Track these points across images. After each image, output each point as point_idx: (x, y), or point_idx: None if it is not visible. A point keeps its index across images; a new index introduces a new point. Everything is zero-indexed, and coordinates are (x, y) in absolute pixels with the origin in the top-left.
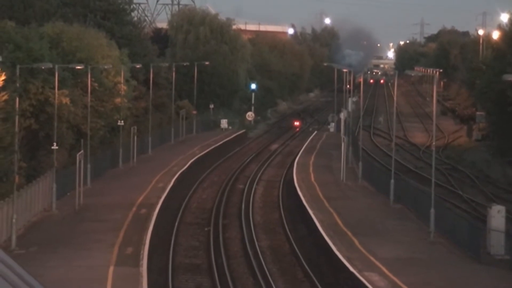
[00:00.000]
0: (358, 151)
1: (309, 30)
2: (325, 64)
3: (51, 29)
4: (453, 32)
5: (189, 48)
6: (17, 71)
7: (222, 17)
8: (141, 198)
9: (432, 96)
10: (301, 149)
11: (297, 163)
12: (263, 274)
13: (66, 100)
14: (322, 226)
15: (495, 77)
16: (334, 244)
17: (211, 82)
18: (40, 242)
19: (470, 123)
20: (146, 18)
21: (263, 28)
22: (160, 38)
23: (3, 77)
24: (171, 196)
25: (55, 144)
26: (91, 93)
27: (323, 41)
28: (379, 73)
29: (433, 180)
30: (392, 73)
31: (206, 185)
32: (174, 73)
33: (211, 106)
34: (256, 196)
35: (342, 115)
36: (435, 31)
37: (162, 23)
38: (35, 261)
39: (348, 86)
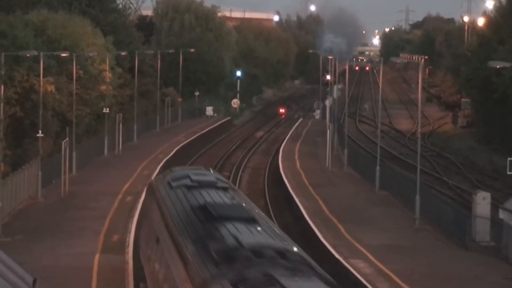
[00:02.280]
0: (344, 138)
1: (294, 18)
2: (310, 51)
3: (36, 17)
4: (438, 19)
5: (174, 35)
6: (2, 58)
7: (207, 4)
8: (126, 186)
9: (417, 83)
10: (286, 136)
11: (283, 150)
12: None
13: (51, 88)
14: (308, 213)
15: (480, 64)
16: (320, 231)
17: (197, 70)
18: (25, 230)
19: (456, 110)
20: (131, 5)
21: (248, 15)
22: (145, 25)
23: None
24: None
25: (40, 132)
26: (76, 81)
27: (308, 29)
28: (365, 60)
29: (418, 167)
30: (377, 60)
31: None
32: (159, 61)
33: (197, 93)
34: (241, 183)
35: (328, 102)
36: (420, 18)
37: (147, 11)
38: (20, 249)
39: (328, 77)
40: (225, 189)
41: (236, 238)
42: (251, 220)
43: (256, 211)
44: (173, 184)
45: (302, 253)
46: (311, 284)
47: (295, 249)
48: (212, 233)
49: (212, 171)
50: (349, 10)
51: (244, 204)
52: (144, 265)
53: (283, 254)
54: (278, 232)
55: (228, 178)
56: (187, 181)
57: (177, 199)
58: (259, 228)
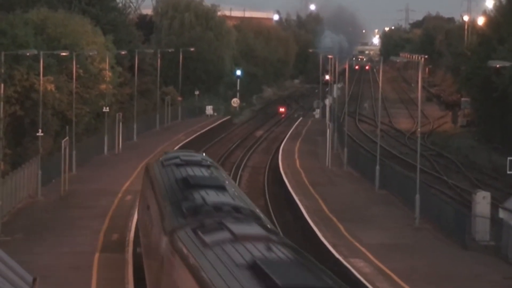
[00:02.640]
0: (344, 137)
1: (294, 17)
2: (310, 50)
3: (36, 16)
4: (438, 18)
5: (174, 34)
6: (2, 57)
7: (207, 3)
8: (126, 185)
9: (417, 82)
10: (286, 135)
11: (283, 149)
12: None
13: (51, 87)
14: (307, 212)
15: (480, 63)
16: (319, 230)
17: (196, 69)
18: (25, 229)
19: (455, 109)
20: (131, 4)
21: (248, 14)
22: (145, 24)
23: None
24: None
25: (40, 130)
26: (76, 80)
27: (308, 28)
28: (364, 59)
29: (418, 166)
30: (377, 59)
31: None
32: (159, 60)
33: (197, 92)
34: (241, 182)
35: (327, 101)
36: (420, 17)
37: (147, 9)
38: (20, 248)
39: (327, 77)
40: (207, 166)
41: (204, 199)
42: (220, 188)
43: (227, 182)
44: (165, 163)
45: (254, 209)
46: (251, 228)
47: (248, 205)
48: (186, 196)
49: (203, 154)
50: (349, 9)
51: (218, 176)
52: (140, 231)
53: (237, 209)
54: (241, 196)
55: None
56: (177, 161)
57: (166, 174)
58: (225, 193)
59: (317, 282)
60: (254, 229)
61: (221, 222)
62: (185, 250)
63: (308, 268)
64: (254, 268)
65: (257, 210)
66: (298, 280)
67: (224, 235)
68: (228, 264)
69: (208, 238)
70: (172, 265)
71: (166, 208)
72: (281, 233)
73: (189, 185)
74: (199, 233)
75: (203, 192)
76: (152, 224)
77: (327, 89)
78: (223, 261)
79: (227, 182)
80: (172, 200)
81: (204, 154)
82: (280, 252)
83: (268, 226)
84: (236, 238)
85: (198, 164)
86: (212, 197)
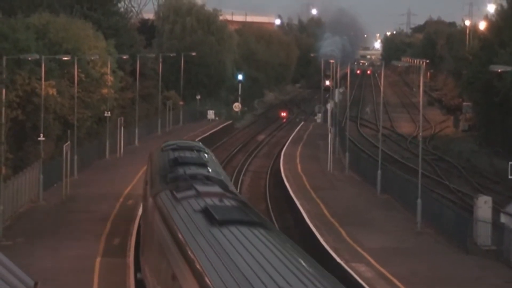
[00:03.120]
0: (345, 141)
1: (295, 21)
2: (312, 54)
3: (37, 20)
4: (439, 22)
5: (176, 38)
6: (4, 62)
7: (209, 7)
8: (128, 189)
9: (418, 86)
10: (288, 139)
11: (284, 154)
12: None
13: (52, 91)
14: (309, 216)
15: (481, 67)
16: (321, 234)
17: (198, 73)
18: (27, 233)
19: (457, 113)
20: (132, 8)
21: (249, 18)
22: (147, 28)
23: None
24: None
25: (41, 135)
26: (77, 84)
27: (310, 32)
28: (366, 63)
29: (419, 170)
30: (379, 63)
31: None
32: (160, 64)
33: (198, 96)
34: (243, 187)
35: (329, 106)
36: (421, 22)
37: (149, 14)
38: (22, 252)
39: (327, 83)
40: (198, 151)
41: (184, 171)
42: (202, 164)
43: (209, 161)
44: (164, 148)
45: (225, 179)
46: (213, 188)
47: (220, 177)
48: (172, 170)
49: (199, 143)
50: (350, 12)
51: (202, 157)
52: (142, 203)
53: (208, 177)
54: (218, 171)
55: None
56: (174, 146)
57: (162, 156)
58: (204, 168)
59: (247, 217)
60: (214, 189)
61: (192, 185)
62: (162, 205)
63: (243, 210)
64: (205, 211)
65: (229, 182)
66: (232, 216)
67: (191, 193)
68: (188, 211)
69: (179, 195)
70: (153, 217)
71: (156, 179)
72: (238, 194)
73: (177, 162)
74: (174, 192)
75: (186, 167)
76: (146, 193)
77: (327, 95)
78: (186, 209)
79: (209, 161)
80: (161, 174)
81: (200, 143)
82: (227, 202)
83: (229, 188)
84: (199, 194)
85: (190, 149)
86: (192, 170)
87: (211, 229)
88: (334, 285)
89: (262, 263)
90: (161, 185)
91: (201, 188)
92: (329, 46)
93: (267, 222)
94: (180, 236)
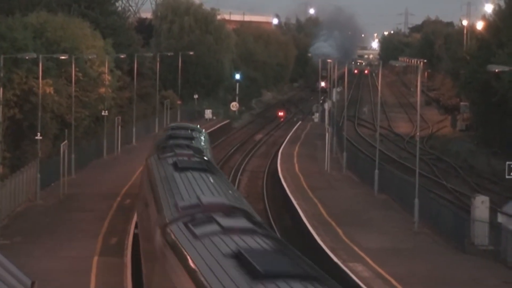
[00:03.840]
0: (343, 141)
1: (293, 20)
2: (309, 54)
3: (35, 19)
4: (437, 22)
5: (174, 38)
6: (1, 61)
7: (207, 7)
8: (125, 188)
9: (416, 86)
10: (285, 139)
11: (282, 153)
12: None
13: (50, 90)
14: (306, 216)
15: (479, 67)
16: (318, 234)
17: (196, 72)
18: (24, 232)
19: (454, 113)
20: (130, 8)
21: (247, 18)
22: (145, 28)
23: None
24: None
25: (39, 134)
26: (75, 83)
27: (308, 31)
28: (364, 63)
29: (417, 170)
30: (376, 63)
31: None
32: (158, 63)
33: (196, 96)
34: (240, 186)
35: (327, 105)
36: (419, 22)
37: (147, 13)
38: (19, 252)
39: (323, 84)
40: (192, 130)
41: (173, 142)
42: (188, 138)
43: (196, 137)
44: (166, 127)
45: (206, 149)
46: (186, 151)
47: (200, 146)
48: (165, 142)
49: (197, 126)
50: (347, 10)
51: (192, 134)
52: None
53: (188, 146)
54: (201, 143)
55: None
56: (174, 126)
57: (163, 132)
58: (190, 141)
59: (201, 166)
60: (188, 152)
61: (174, 150)
62: (150, 163)
63: (200, 162)
64: (174, 164)
65: (209, 152)
66: (189, 165)
67: (170, 154)
68: (165, 166)
69: (161, 156)
70: (143, 172)
71: (153, 148)
72: (211, 160)
73: (170, 137)
74: (160, 156)
75: (175, 140)
76: (145, 160)
77: (322, 97)
78: (164, 165)
79: (196, 138)
80: (157, 144)
81: (198, 126)
82: (193, 159)
83: (203, 154)
84: (175, 154)
85: (186, 128)
86: (178, 141)
87: (174, 174)
88: (237, 198)
89: None
90: (154, 151)
91: (178, 151)
92: (325, 45)
93: (212, 168)
94: (150, 175)
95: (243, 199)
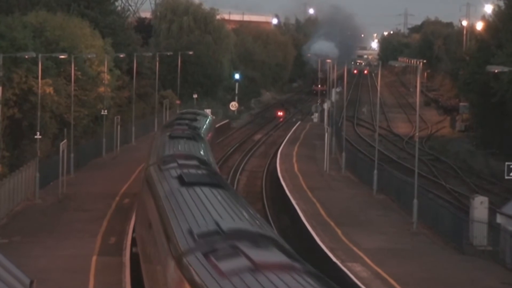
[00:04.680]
0: (342, 141)
1: (293, 21)
2: (308, 54)
3: (34, 18)
4: (437, 23)
5: (173, 37)
6: (0, 60)
7: (206, 7)
8: (124, 188)
9: (415, 86)
10: (284, 139)
11: (281, 153)
12: None
13: (49, 89)
14: (305, 216)
15: (478, 68)
16: (317, 234)
17: (195, 72)
18: (23, 231)
19: (454, 114)
20: (129, 7)
21: (247, 18)
22: (144, 27)
23: None
24: None
25: (38, 133)
26: (74, 82)
27: (307, 31)
28: (363, 63)
29: (416, 170)
30: (376, 63)
31: None
32: (157, 63)
33: (195, 95)
34: (239, 186)
35: (326, 106)
36: (419, 22)
37: (146, 13)
38: (18, 251)
39: (318, 86)
40: (198, 114)
41: (178, 122)
42: (192, 120)
43: (199, 118)
44: (178, 112)
45: (203, 128)
46: (182, 127)
47: (199, 125)
48: (174, 121)
49: (205, 111)
50: (345, 9)
51: (197, 117)
52: None
53: (188, 124)
54: (202, 124)
55: (226, 180)
56: (185, 111)
57: (176, 115)
58: (194, 122)
59: (187, 134)
60: (183, 127)
61: (174, 126)
62: (155, 135)
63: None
64: (171, 136)
65: (205, 131)
66: (178, 134)
67: (170, 129)
68: (162, 136)
69: (165, 130)
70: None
71: (163, 126)
72: (204, 140)
73: (178, 118)
74: (164, 129)
75: (181, 120)
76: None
77: (314, 105)
78: (162, 136)
79: (200, 120)
80: (167, 124)
81: (206, 111)
82: (184, 135)
83: (198, 133)
84: (173, 130)
85: (195, 113)
86: (182, 121)
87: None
88: (260, 222)
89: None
90: (162, 129)
91: (176, 127)
92: (324, 45)
93: (198, 136)
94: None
95: (263, 223)
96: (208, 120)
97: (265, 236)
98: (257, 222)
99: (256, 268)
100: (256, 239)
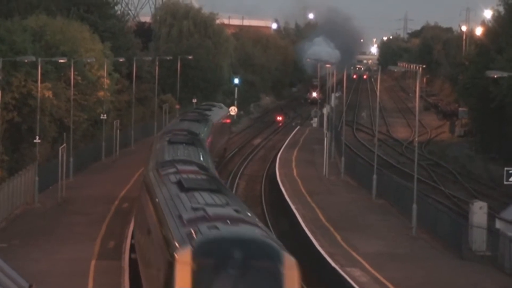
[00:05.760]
0: (341, 146)
1: (292, 25)
2: (308, 59)
3: (34, 22)
4: (436, 27)
5: (173, 42)
6: (0, 64)
7: (206, 11)
8: (123, 192)
9: (415, 91)
10: (284, 143)
11: (280, 158)
12: None
13: (49, 93)
14: (304, 221)
15: (478, 73)
16: (316, 239)
17: (195, 76)
18: (22, 235)
19: (453, 119)
20: (129, 11)
21: (246, 22)
22: (144, 31)
23: None
24: None
25: (37, 137)
26: (74, 87)
27: (307, 36)
28: (363, 68)
29: (415, 175)
30: (375, 68)
31: None
32: (157, 67)
33: (194, 100)
34: (238, 190)
35: (325, 110)
36: (418, 27)
37: (146, 17)
38: (17, 255)
39: (314, 95)
40: (213, 106)
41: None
42: (203, 113)
43: (212, 113)
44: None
45: (213, 117)
46: (192, 115)
47: (208, 117)
48: (186, 113)
49: (219, 104)
50: (343, 12)
51: (212, 108)
52: None
53: (194, 117)
54: (212, 116)
55: (225, 185)
56: (201, 104)
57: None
58: (206, 112)
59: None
60: (191, 117)
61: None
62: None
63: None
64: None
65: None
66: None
67: (176, 121)
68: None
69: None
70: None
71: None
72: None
73: (192, 110)
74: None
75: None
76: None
77: (313, 110)
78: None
79: (213, 111)
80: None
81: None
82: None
83: (204, 125)
84: (179, 121)
85: (211, 105)
86: (193, 112)
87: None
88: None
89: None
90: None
91: (183, 117)
92: (322, 50)
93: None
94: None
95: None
96: (221, 111)
97: (200, 118)
98: (211, 115)
99: (180, 120)
100: (192, 118)
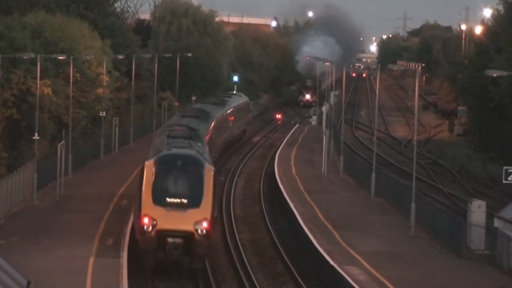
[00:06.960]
0: (340, 144)
1: (292, 23)
2: (307, 57)
3: (33, 19)
4: (436, 26)
5: (172, 39)
6: None
7: (205, 9)
8: (122, 189)
9: (414, 90)
10: (282, 142)
11: (279, 156)
12: (244, 267)
13: (48, 90)
14: (303, 219)
15: (477, 72)
16: (314, 237)
17: (194, 74)
18: (20, 232)
19: (452, 118)
20: (129, 9)
21: (246, 20)
22: (143, 29)
23: None
24: None
25: (36, 134)
26: (73, 84)
27: (306, 34)
28: (362, 66)
29: (414, 174)
30: (374, 67)
31: None
32: (156, 65)
33: (193, 97)
34: (237, 189)
35: (324, 109)
36: (418, 26)
37: (145, 14)
38: (15, 252)
39: (307, 97)
40: (222, 98)
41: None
42: (205, 107)
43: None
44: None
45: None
46: (192, 111)
47: (208, 111)
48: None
49: (223, 98)
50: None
51: (217, 101)
52: None
53: (195, 111)
54: (215, 109)
55: (224, 183)
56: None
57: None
58: (205, 106)
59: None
60: (183, 121)
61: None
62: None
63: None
64: (168, 137)
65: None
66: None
67: (177, 117)
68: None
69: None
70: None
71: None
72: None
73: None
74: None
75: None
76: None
77: (307, 114)
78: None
79: (231, 99)
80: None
81: (239, 93)
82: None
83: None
84: (181, 116)
85: (231, 94)
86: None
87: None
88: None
89: None
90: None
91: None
92: (319, 48)
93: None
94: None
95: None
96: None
97: (200, 113)
98: (210, 108)
99: (182, 116)
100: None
